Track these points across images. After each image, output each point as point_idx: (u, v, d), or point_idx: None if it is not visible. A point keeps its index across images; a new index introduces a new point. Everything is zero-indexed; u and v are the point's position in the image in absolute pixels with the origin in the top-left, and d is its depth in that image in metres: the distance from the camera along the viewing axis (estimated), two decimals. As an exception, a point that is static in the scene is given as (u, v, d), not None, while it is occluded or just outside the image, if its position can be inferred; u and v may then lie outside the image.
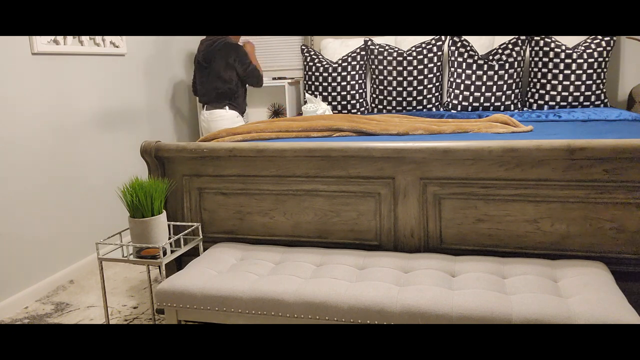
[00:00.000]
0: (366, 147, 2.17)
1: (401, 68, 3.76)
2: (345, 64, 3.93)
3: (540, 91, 3.52)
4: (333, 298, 1.81)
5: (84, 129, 3.30)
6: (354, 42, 4.06)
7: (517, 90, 3.57)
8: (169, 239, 2.28)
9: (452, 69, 3.68)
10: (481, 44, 3.74)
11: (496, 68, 3.52)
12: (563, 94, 3.45)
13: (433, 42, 3.76)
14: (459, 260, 2.06)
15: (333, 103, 3.97)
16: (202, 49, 3.77)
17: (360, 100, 3.97)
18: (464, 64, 3.60)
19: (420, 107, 3.81)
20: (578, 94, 3.42)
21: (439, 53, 3.75)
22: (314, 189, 2.31)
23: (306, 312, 1.83)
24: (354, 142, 2.22)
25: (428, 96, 3.78)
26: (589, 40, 3.47)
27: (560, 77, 3.44)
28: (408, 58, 3.75)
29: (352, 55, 3.94)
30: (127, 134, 3.71)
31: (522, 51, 3.53)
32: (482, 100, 3.56)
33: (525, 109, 3.61)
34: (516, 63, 3.53)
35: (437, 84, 3.79)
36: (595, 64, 3.39)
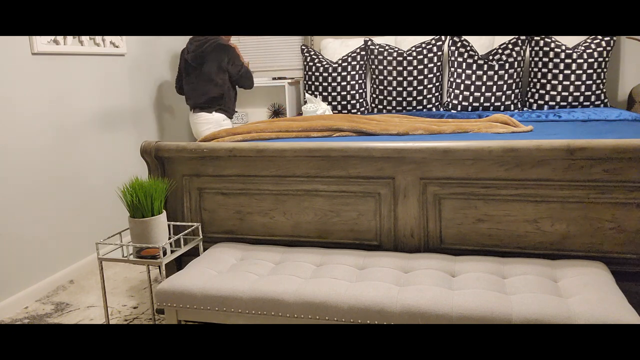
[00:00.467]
0: (366, 147, 2.17)
1: (401, 68, 3.76)
2: (345, 64, 3.93)
3: (540, 91, 3.52)
4: (333, 298, 1.81)
5: (84, 129, 3.30)
6: (354, 42, 4.06)
7: (517, 90, 3.57)
8: (169, 239, 2.28)
9: (452, 69, 3.68)
10: (481, 44, 3.74)
11: (496, 68, 3.52)
12: (563, 94, 3.45)
13: (433, 42, 3.76)
14: (459, 260, 2.06)
15: (333, 103, 3.97)
16: (191, 49, 3.62)
17: (360, 100, 3.97)
18: (464, 64, 3.60)
19: (420, 107, 3.81)
20: (578, 94, 3.42)
21: (439, 53, 3.75)
22: (314, 189, 2.31)
23: (306, 312, 1.83)
24: (354, 142, 2.22)
25: (428, 96, 3.78)
26: (589, 40, 3.47)
27: (560, 77, 3.44)
28: (408, 58, 3.75)
29: (352, 55, 3.94)
30: (127, 134, 3.71)
31: (522, 51, 3.53)
32: (482, 100, 3.56)
33: (525, 109, 3.61)
34: (516, 63, 3.53)
35: (437, 84, 3.79)
36: (595, 64, 3.39)
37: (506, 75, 3.52)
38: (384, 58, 3.80)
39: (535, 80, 3.54)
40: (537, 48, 3.51)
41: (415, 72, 3.74)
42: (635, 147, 1.90)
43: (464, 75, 3.60)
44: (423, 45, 3.76)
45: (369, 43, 3.89)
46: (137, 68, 3.81)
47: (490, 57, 3.55)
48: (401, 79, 3.77)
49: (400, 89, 3.79)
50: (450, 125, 2.77)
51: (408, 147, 2.13)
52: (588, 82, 3.40)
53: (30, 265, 2.91)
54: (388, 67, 3.79)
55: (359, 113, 3.96)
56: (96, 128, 3.41)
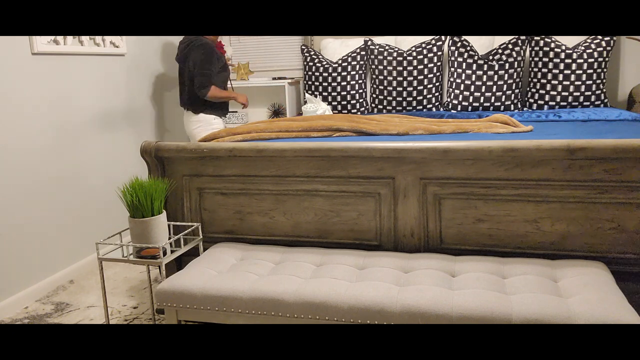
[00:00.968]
0: (366, 147, 2.17)
1: (401, 68, 3.76)
2: (345, 64, 3.93)
3: (540, 91, 3.52)
4: (333, 298, 1.81)
5: (84, 129, 3.30)
6: (354, 42, 4.06)
7: (517, 90, 3.57)
8: (169, 239, 2.28)
9: (452, 69, 3.68)
10: (481, 44, 3.74)
11: (496, 68, 3.52)
12: (563, 94, 3.45)
13: (433, 42, 3.76)
14: (459, 260, 2.06)
15: (333, 103, 3.96)
16: (179, 49, 3.61)
17: (360, 100, 3.97)
18: (464, 64, 3.60)
19: (420, 107, 3.80)
20: (578, 94, 3.42)
21: (439, 53, 3.75)
22: (314, 189, 2.31)
23: (306, 312, 1.83)
24: (354, 142, 2.22)
25: (428, 96, 3.78)
26: (589, 40, 3.46)
27: (560, 77, 3.44)
28: (408, 58, 3.74)
29: (352, 55, 3.94)
30: (127, 134, 3.71)
31: (522, 51, 3.53)
32: (482, 100, 3.56)
33: (525, 109, 3.61)
34: (516, 63, 3.53)
35: (437, 84, 3.79)
36: (595, 64, 3.39)
37: (506, 75, 3.52)
38: (384, 58, 3.80)
39: (535, 80, 3.54)
40: (537, 48, 3.51)
41: (415, 72, 3.74)
42: (635, 147, 1.90)
43: (464, 75, 3.60)
44: (423, 45, 3.76)
45: (369, 43, 3.89)
46: (137, 68, 3.81)
47: (490, 57, 3.55)
48: (401, 79, 3.77)
49: (400, 89, 3.78)
50: (450, 125, 2.77)
51: (408, 147, 2.13)
52: (588, 82, 3.40)
53: (30, 265, 2.90)
54: (388, 67, 3.79)
55: (359, 113, 3.96)
56: (96, 128, 3.41)
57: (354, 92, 3.94)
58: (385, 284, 1.86)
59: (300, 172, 2.31)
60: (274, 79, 4.35)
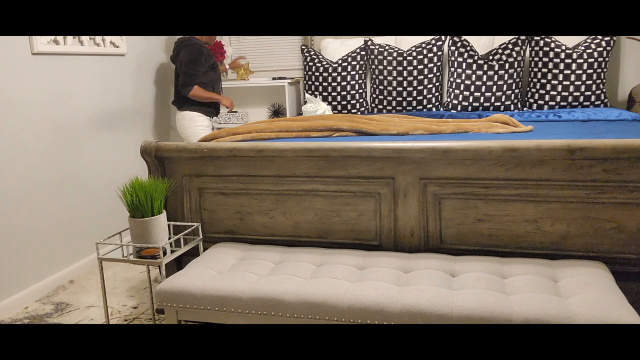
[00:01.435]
0: (366, 147, 2.17)
1: (401, 68, 3.76)
2: (345, 64, 3.93)
3: (540, 91, 3.52)
4: (333, 298, 1.81)
5: (84, 128, 3.30)
6: (354, 42, 4.06)
7: (517, 90, 3.57)
8: (169, 239, 2.28)
9: (452, 69, 3.68)
10: (481, 44, 3.74)
11: (496, 68, 3.52)
12: (563, 94, 3.45)
13: (433, 42, 3.76)
14: (459, 260, 2.06)
15: (333, 103, 3.96)
16: (174, 48, 3.68)
17: (360, 100, 3.97)
18: (464, 64, 3.60)
19: (420, 107, 3.80)
20: (578, 94, 3.42)
21: (439, 53, 3.75)
22: (314, 189, 2.31)
23: (306, 312, 1.83)
24: (354, 142, 2.22)
25: (428, 96, 3.78)
26: (589, 40, 3.46)
27: (560, 77, 3.44)
28: (408, 58, 3.74)
29: (352, 55, 3.94)
30: (127, 134, 3.71)
31: (522, 51, 3.53)
32: (482, 100, 3.56)
33: (525, 109, 3.61)
34: (516, 63, 3.53)
35: (437, 84, 3.79)
36: (595, 64, 3.39)
37: (506, 75, 3.52)
38: (384, 58, 3.80)
39: (535, 80, 3.54)
40: (537, 48, 3.51)
41: (415, 72, 3.74)
42: (635, 147, 1.90)
43: (464, 75, 3.60)
44: (423, 45, 3.76)
45: (369, 43, 3.89)
46: (137, 68, 3.81)
47: (490, 57, 3.55)
48: (401, 79, 3.77)
49: (400, 89, 3.78)
50: (450, 125, 2.77)
51: (408, 147, 2.13)
52: (588, 82, 3.40)
53: (30, 265, 2.90)
54: (388, 67, 3.79)
55: (359, 113, 3.96)
56: (96, 128, 3.41)
57: (354, 92, 3.94)
58: (385, 284, 1.86)
59: (300, 172, 2.31)
60: (274, 79, 4.35)
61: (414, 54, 3.74)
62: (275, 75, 4.51)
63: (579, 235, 2.05)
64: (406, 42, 3.95)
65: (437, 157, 2.11)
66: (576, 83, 3.41)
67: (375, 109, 3.94)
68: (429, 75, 3.75)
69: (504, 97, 3.55)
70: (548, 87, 3.48)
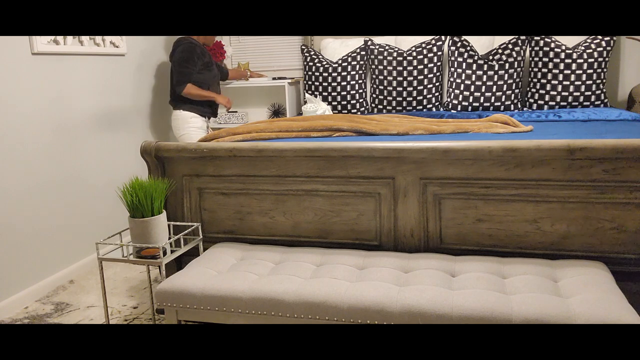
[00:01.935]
0: (366, 147, 2.17)
1: (401, 68, 3.76)
2: (345, 64, 3.93)
3: (540, 91, 3.52)
4: (333, 298, 1.81)
5: (84, 128, 3.30)
6: (354, 42, 4.06)
7: (517, 90, 3.57)
8: (169, 239, 2.28)
9: (452, 69, 3.68)
10: (481, 44, 3.74)
11: (496, 68, 3.52)
12: (563, 94, 3.45)
13: (433, 42, 3.76)
14: (459, 260, 2.06)
15: (333, 103, 3.96)
16: (172, 48, 3.67)
17: (360, 100, 3.97)
18: (464, 64, 3.60)
19: (420, 107, 3.80)
20: (578, 94, 3.42)
21: (439, 53, 3.75)
22: (314, 189, 2.31)
23: (306, 312, 1.83)
24: (354, 142, 2.22)
25: (428, 96, 3.78)
26: (589, 40, 3.46)
27: (560, 77, 3.44)
28: (408, 58, 3.74)
29: (352, 55, 3.94)
30: (127, 134, 3.71)
31: (522, 51, 3.53)
32: (482, 100, 3.56)
33: (525, 109, 3.61)
34: (516, 63, 3.53)
35: (437, 84, 3.79)
36: (595, 64, 3.39)
37: (506, 75, 3.52)
38: (384, 58, 3.80)
39: (535, 80, 3.54)
40: (537, 48, 3.51)
41: (415, 72, 3.74)
42: (635, 147, 1.90)
43: (464, 75, 3.60)
44: (423, 45, 3.76)
45: (369, 43, 3.89)
46: (137, 68, 3.81)
47: (490, 57, 3.55)
48: (401, 79, 3.77)
49: (400, 89, 3.78)
50: (450, 125, 2.77)
51: (408, 147, 2.13)
52: (588, 82, 3.40)
53: (30, 265, 2.90)
54: (388, 67, 3.79)
55: (359, 113, 3.95)
56: (96, 128, 3.41)
57: (354, 92, 3.94)
58: (385, 284, 1.86)
59: (300, 172, 2.31)
60: (274, 79, 4.35)
61: (414, 54, 3.74)
62: (275, 75, 4.51)
63: (579, 235, 2.05)
64: (406, 42, 3.94)
65: (437, 157, 2.11)
66: (576, 83, 3.41)
67: (375, 109, 3.94)
68: (429, 75, 3.75)
69: (504, 97, 3.55)
70: (548, 87, 3.48)
